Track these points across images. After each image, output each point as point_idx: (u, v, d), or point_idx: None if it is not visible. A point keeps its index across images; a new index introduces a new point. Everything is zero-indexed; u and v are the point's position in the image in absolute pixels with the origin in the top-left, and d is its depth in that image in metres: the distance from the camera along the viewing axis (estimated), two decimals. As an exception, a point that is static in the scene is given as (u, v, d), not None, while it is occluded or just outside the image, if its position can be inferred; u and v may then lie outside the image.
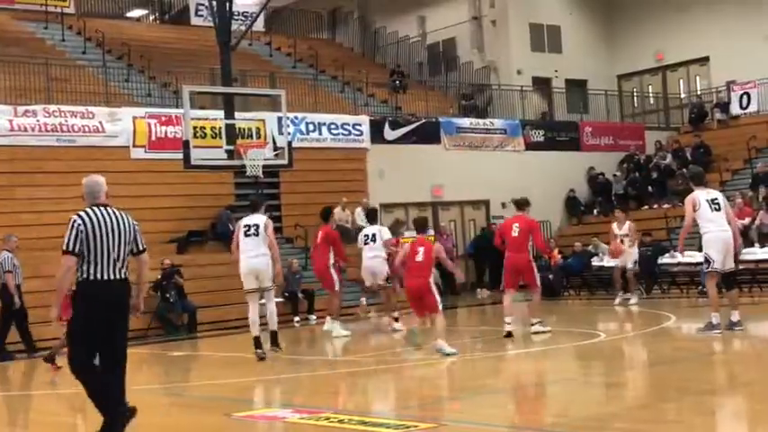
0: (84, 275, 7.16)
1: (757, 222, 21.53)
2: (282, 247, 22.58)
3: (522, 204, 14.64)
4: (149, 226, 21.08)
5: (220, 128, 21.12)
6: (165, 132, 22.21)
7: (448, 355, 12.11)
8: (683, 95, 32.70)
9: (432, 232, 17.15)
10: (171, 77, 24.96)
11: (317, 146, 24.39)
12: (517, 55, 31.64)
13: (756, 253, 20.44)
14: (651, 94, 33.73)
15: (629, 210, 24.23)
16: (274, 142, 22.00)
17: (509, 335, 13.85)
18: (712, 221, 12.61)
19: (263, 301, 13.55)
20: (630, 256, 19.56)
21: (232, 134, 20.86)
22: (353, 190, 24.23)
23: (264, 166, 20.58)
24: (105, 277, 7.16)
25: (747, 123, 28.51)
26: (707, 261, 12.74)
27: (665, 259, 21.45)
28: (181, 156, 19.85)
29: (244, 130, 22.26)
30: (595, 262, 22.64)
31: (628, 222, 19.94)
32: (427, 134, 26.43)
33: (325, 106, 26.24)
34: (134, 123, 22.03)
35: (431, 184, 26.12)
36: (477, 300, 23.42)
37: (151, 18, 37.41)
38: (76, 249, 7.10)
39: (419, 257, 12.65)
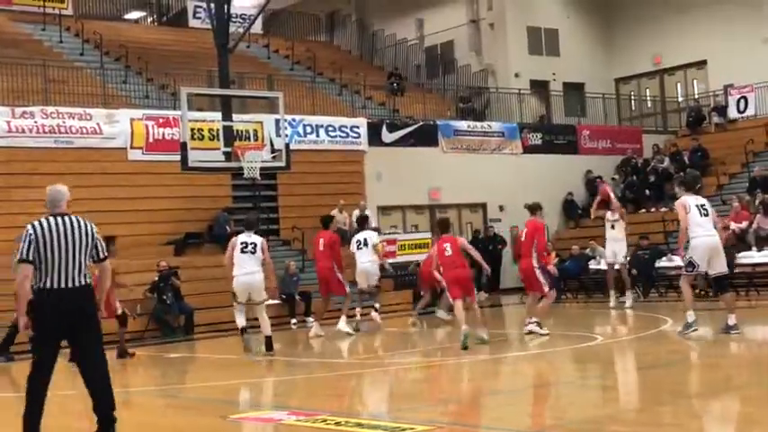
0: (39, 284, 7.22)
1: (754, 226, 21.53)
2: (279, 249, 22.68)
3: (533, 209, 14.89)
4: (146, 228, 21.20)
5: (218, 130, 21.13)
6: (163, 134, 22.20)
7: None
8: (680, 99, 32.73)
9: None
10: (169, 79, 24.96)
11: (314, 148, 24.38)
12: (515, 58, 31.66)
13: (753, 256, 20.47)
14: (649, 98, 33.75)
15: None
16: (272, 144, 22.00)
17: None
18: (701, 226, 12.76)
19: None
20: (621, 250, 19.44)
21: (230, 136, 20.86)
22: (351, 192, 24.23)
23: (262, 169, 20.56)
24: (59, 286, 7.18)
25: (745, 127, 28.54)
26: (691, 265, 12.88)
27: (662, 263, 21.46)
28: (178, 157, 19.83)
29: (241, 132, 22.26)
30: (592, 265, 22.62)
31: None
32: (425, 137, 26.44)
33: (323, 108, 26.24)
34: (132, 125, 22.02)
35: (428, 187, 26.13)
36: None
37: (149, 20, 37.43)
38: (30, 257, 7.18)
39: (448, 252, 13.82)
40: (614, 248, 19.45)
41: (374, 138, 25.51)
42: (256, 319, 14.27)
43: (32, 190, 20.19)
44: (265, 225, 23.06)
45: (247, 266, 13.93)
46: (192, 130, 20.76)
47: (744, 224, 21.74)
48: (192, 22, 32.57)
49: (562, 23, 32.80)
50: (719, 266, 12.87)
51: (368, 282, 17.51)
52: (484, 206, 27.27)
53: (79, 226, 7.35)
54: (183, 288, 19.62)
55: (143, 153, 22.01)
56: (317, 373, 12.79)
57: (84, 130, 21.37)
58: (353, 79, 29.42)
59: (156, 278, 19.08)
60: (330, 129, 24.96)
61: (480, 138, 27.46)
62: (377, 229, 21.14)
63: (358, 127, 25.43)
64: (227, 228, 21.25)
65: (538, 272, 14.30)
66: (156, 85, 25.50)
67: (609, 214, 19.64)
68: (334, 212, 22.01)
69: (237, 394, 10.98)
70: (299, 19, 37.12)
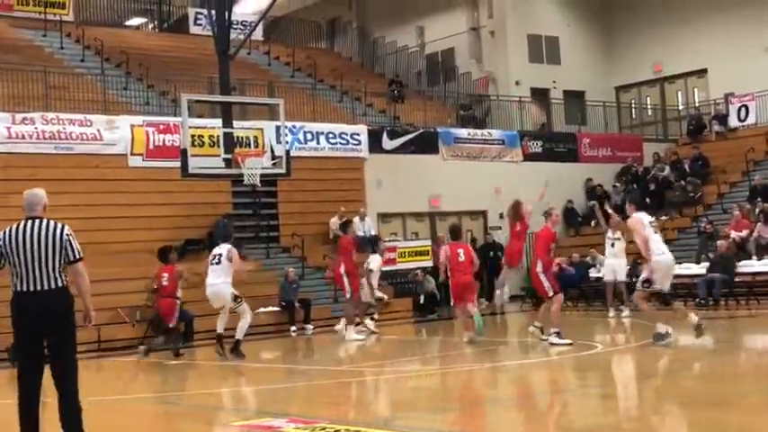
0: (14, 288, 7.23)
1: (755, 235, 21.53)
2: (279, 256, 22.66)
3: (548, 215, 15.13)
4: (146, 234, 21.13)
5: (218, 136, 21.12)
6: (163, 141, 22.18)
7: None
8: (681, 107, 32.71)
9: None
10: (169, 86, 24.96)
11: (314, 155, 24.35)
12: (515, 66, 31.66)
13: (754, 265, 20.47)
14: (649, 106, 33.73)
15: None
16: (272, 151, 21.97)
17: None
18: (658, 243, 13.19)
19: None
20: (622, 268, 19.47)
21: (230, 143, 20.84)
22: (351, 199, 24.18)
23: (262, 175, 20.55)
24: (29, 289, 7.15)
25: (745, 136, 28.53)
26: (648, 282, 13.10)
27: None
28: (178, 164, 19.81)
29: (242, 138, 22.24)
30: (593, 273, 22.59)
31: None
32: (425, 144, 26.42)
33: (324, 115, 26.24)
34: (132, 131, 21.99)
35: (428, 195, 26.09)
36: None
37: (150, 26, 37.48)
38: (2, 263, 7.26)
39: (461, 258, 14.76)
40: (614, 267, 19.42)
41: (374, 145, 25.49)
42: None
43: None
44: (265, 232, 23.07)
45: (211, 278, 14.60)
46: (193, 136, 20.74)
47: (744, 233, 21.75)
48: (193, 29, 32.58)
49: (563, 31, 32.81)
50: (668, 284, 13.36)
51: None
52: (484, 214, 27.23)
53: (47, 228, 7.28)
54: (183, 295, 19.54)
55: (143, 159, 21.98)
56: (316, 380, 12.75)
57: (85, 137, 21.33)
58: (354, 86, 29.42)
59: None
60: (331, 136, 24.94)
61: (481, 145, 27.44)
62: (377, 237, 21.25)
63: (358, 134, 25.41)
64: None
65: (542, 276, 14.34)
66: (157, 91, 25.50)
67: (609, 232, 19.62)
68: (334, 220, 22.21)
69: (237, 401, 10.95)
70: (300, 26, 37.15)
